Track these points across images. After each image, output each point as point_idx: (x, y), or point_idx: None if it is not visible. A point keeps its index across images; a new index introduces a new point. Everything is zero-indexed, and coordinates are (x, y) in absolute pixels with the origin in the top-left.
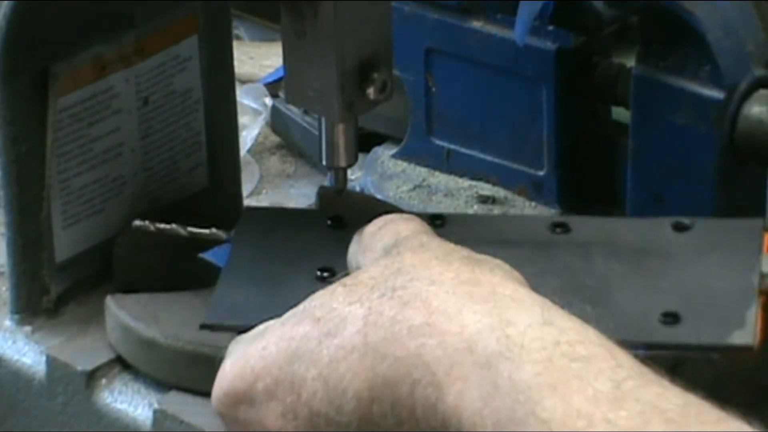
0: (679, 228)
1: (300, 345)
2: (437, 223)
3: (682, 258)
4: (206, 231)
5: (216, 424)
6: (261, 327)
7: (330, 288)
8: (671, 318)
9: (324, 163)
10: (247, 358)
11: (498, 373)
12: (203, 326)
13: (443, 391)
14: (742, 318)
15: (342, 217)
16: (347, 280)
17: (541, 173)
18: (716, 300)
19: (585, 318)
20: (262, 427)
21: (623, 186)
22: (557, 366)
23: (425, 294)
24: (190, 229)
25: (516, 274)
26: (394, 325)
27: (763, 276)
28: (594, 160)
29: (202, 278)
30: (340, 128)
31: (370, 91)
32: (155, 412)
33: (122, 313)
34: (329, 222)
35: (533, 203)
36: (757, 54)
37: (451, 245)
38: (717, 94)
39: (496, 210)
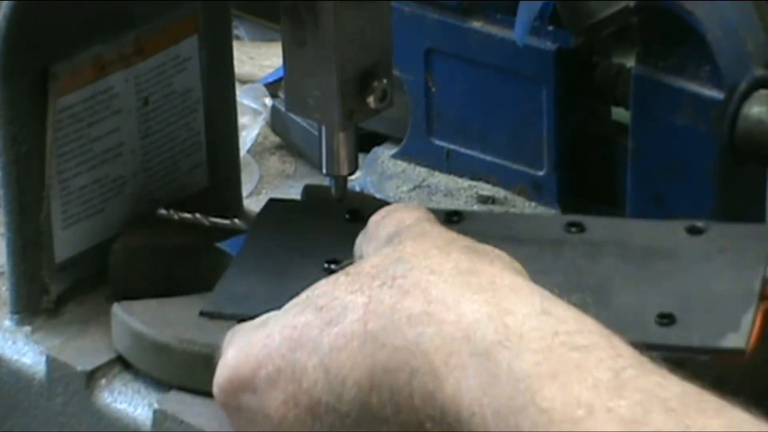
0: (693, 231)
1: (302, 333)
2: (454, 219)
3: (689, 260)
4: (227, 221)
5: (216, 424)
6: (263, 317)
7: (333, 277)
8: (667, 319)
9: (324, 171)
10: (251, 346)
11: (496, 362)
12: (203, 313)
13: (441, 380)
14: (737, 321)
15: (359, 210)
16: (350, 269)
17: (541, 173)
18: (715, 303)
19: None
20: (264, 414)
21: (623, 186)
22: (556, 355)
23: (424, 283)
24: (212, 219)
25: (516, 265)
26: (393, 314)
27: (766, 280)
28: (594, 160)
29: (197, 285)
30: (341, 137)
31: (371, 100)
32: (155, 412)
33: (131, 319)
34: (347, 216)
35: (533, 203)
36: (757, 54)
37: (453, 234)
38: (717, 94)
39: (496, 210)
